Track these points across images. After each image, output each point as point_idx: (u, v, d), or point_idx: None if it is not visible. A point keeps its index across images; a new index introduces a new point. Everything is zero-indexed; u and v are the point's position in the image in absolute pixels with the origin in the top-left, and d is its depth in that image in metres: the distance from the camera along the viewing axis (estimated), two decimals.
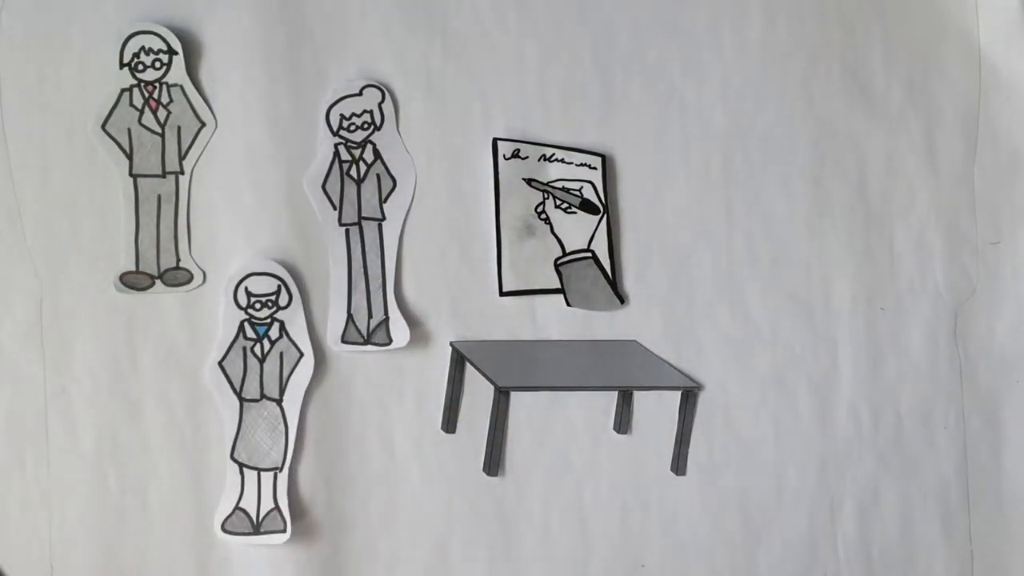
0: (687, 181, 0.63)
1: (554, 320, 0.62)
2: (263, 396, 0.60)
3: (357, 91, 0.61)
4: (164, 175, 0.62)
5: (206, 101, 0.61)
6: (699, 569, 0.63)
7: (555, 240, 0.62)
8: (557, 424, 0.62)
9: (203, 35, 0.61)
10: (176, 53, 0.61)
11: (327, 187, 0.61)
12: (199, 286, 0.61)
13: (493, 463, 0.61)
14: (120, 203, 0.61)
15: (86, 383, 0.61)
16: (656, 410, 0.62)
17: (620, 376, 0.61)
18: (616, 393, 0.62)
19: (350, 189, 0.61)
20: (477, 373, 0.61)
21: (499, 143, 0.61)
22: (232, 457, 0.60)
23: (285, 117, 0.61)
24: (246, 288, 0.61)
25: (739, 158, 0.63)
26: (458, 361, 0.61)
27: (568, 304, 0.62)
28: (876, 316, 0.63)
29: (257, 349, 0.61)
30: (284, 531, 0.60)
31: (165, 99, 0.61)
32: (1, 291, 0.61)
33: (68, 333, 0.61)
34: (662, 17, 0.63)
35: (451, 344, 0.61)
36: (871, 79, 0.63)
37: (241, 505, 0.60)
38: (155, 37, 0.61)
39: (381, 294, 0.61)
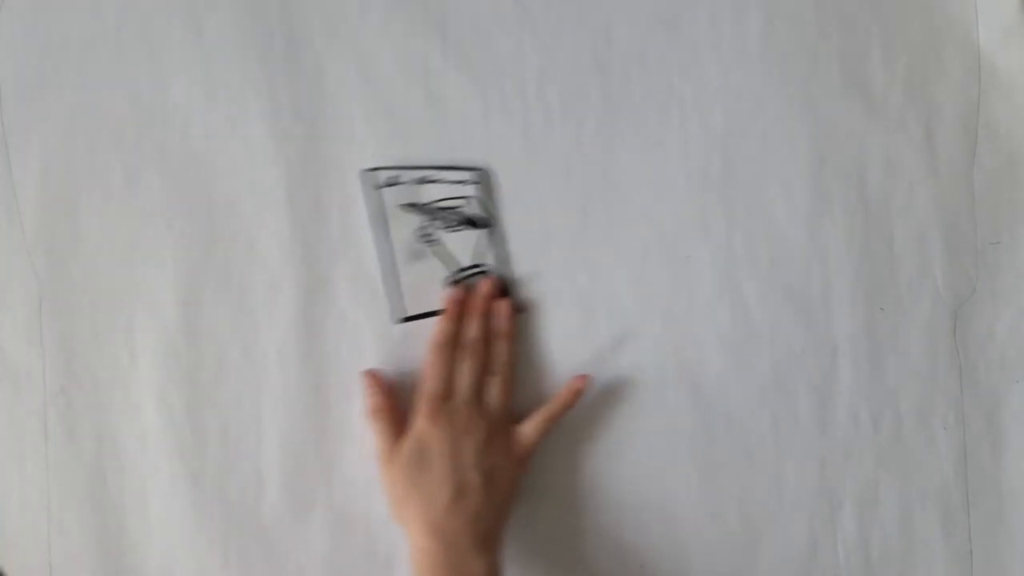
0: (687, 181, 0.63)
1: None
2: None
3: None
4: None
5: None
6: (699, 569, 0.63)
7: (445, 259, 0.61)
8: None
9: (203, 35, 0.61)
10: None
11: None
12: None
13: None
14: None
15: (86, 383, 0.61)
16: None
17: None
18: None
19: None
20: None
21: (371, 173, 0.61)
22: None
23: (285, 117, 0.61)
24: None
25: (739, 158, 0.63)
26: None
27: None
28: (876, 316, 0.63)
29: None
30: None
31: None
32: (1, 291, 0.61)
33: (68, 333, 0.61)
34: (662, 17, 0.63)
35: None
36: (871, 79, 0.63)
37: None
38: None
39: None
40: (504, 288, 0.62)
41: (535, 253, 0.62)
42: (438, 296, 0.61)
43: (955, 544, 0.63)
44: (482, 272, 0.62)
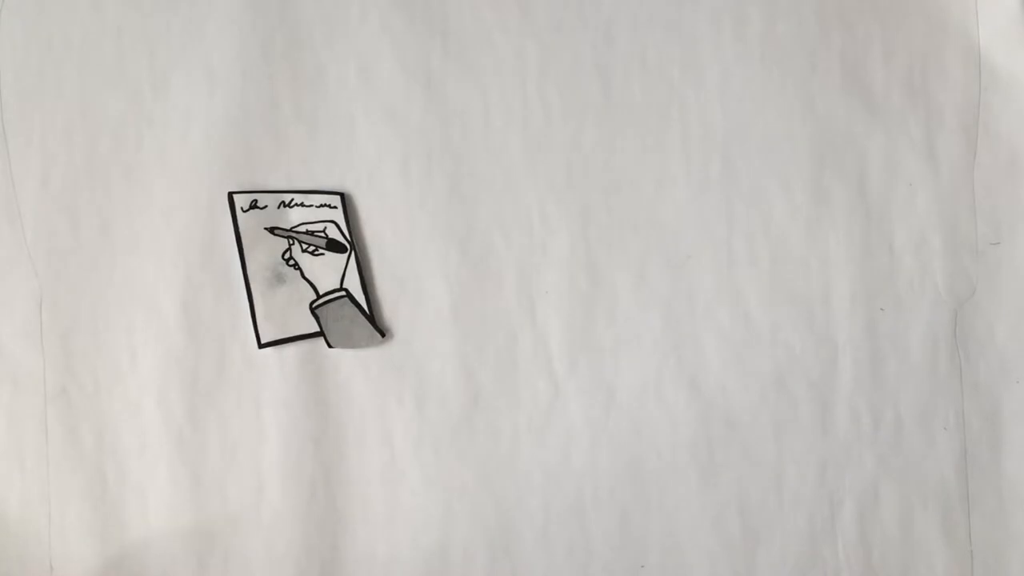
0: (687, 181, 0.63)
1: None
2: None
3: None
4: None
5: None
6: (699, 569, 0.63)
7: (307, 284, 0.61)
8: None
9: (203, 34, 0.61)
10: None
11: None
12: None
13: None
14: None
15: (86, 383, 0.61)
16: None
17: None
18: None
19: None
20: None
21: (235, 196, 0.61)
22: None
23: (285, 116, 0.61)
24: None
25: (739, 158, 0.63)
26: None
27: (329, 345, 0.61)
28: (876, 316, 0.63)
29: None
30: None
31: None
32: (1, 291, 0.61)
33: (68, 333, 0.61)
34: (662, 17, 0.63)
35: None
36: (871, 79, 0.63)
37: None
38: None
39: None
40: (367, 313, 0.61)
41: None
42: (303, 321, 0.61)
43: (955, 544, 0.63)
44: (344, 296, 0.61)
